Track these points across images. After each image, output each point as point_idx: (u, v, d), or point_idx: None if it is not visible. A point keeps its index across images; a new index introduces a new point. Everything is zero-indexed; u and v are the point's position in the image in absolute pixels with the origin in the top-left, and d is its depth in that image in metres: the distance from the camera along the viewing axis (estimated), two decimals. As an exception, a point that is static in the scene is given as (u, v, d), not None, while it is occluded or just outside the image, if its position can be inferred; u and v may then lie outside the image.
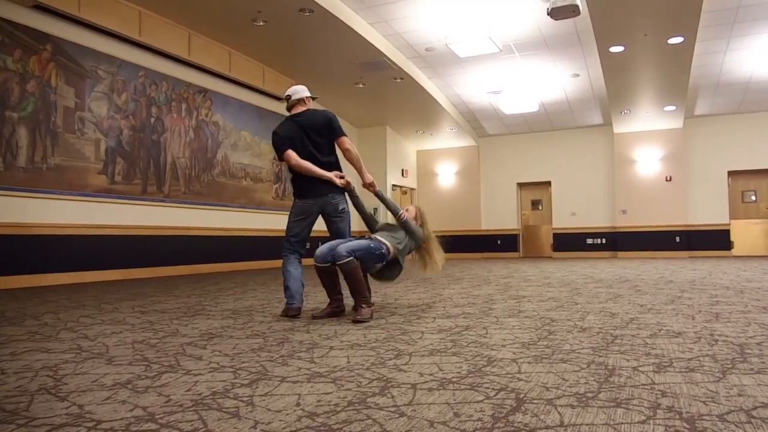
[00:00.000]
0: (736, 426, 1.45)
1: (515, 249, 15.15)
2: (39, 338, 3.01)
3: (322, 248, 3.58)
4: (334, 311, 3.68)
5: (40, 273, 6.86)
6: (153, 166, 8.54)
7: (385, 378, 2.01)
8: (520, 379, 1.95)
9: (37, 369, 2.26)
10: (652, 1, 7.54)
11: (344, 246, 3.51)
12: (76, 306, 4.55)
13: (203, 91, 9.55)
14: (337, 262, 3.49)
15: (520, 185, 15.31)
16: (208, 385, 1.95)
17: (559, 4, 6.96)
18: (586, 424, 1.49)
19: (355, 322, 3.38)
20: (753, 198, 13.30)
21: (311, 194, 3.71)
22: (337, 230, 3.78)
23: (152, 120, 8.57)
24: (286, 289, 3.70)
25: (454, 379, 1.97)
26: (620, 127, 13.58)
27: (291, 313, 3.64)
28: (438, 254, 4.01)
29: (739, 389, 1.78)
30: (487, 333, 2.91)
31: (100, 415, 1.65)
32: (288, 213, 3.86)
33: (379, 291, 5.39)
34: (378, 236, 3.74)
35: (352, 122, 14.09)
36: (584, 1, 7.45)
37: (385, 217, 14.27)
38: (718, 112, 13.10)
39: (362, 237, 3.76)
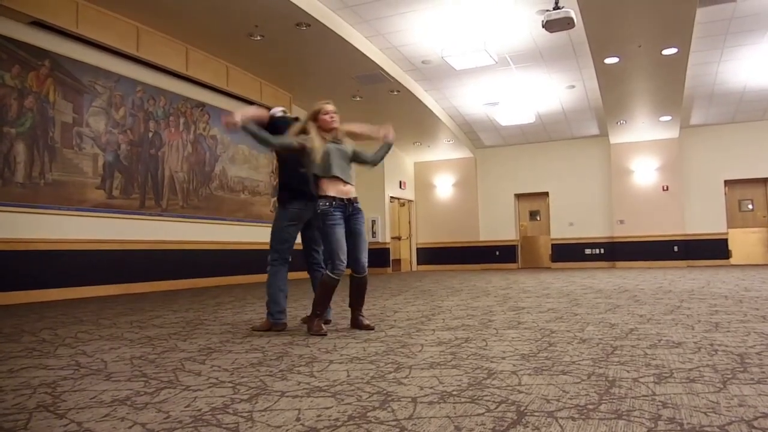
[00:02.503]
0: (737, 437, 1.45)
1: (514, 260, 15.15)
2: (37, 355, 3.00)
3: (342, 257, 3.42)
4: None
5: (38, 288, 6.83)
6: (151, 181, 8.55)
7: (385, 392, 2.00)
8: (520, 392, 1.95)
9: (35, 386, 2.25)
10: (645, 12, 7.61)
11: (364, 255, 3.52)
12: (74, 321, 4.53)
13: (201, 106, 9.59)
14: (362, 275, 3.54)
15: (518, 196, 15.34)
16: (207, 401, 1.94)
17: (554, 16, 7.02)
18: (588, 437, 1.48)
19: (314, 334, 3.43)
20: (750, 207, 13.35)
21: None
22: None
23: (150, 134, 8.59)
24: (276, 303, 3.71)
25: (454, 392, 1.96)
26: (616, 138, 13.65)
27: (279, 328, 3.68)
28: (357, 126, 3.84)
29: (739, 399, 1.78)
30: (486, 345, 2.91)
31: (99, 432, 1.64)
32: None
33: (378, 304, 5.38)
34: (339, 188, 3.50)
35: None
36: (579, 13, 7.52)
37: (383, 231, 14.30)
38: (714, 121, 13.18)
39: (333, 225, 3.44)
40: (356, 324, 3.63)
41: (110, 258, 7.75)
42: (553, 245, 14.72)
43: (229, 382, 2.23)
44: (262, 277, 11.12)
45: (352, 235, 3.51)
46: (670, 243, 13.32)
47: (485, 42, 8.96)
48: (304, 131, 3.55)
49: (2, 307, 6.08)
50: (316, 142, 3.48)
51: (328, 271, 3.45)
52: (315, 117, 3.59)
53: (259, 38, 8.55)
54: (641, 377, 2.11)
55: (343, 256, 3.43)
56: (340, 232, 3.44)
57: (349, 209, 3.52)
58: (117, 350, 3.08)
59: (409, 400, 1.89)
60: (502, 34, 8.96)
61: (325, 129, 3.57)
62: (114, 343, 3.36)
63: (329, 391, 2.04)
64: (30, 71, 6.91)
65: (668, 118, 12.24)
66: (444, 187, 15.74)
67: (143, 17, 7.95)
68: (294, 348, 2.99)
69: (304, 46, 8.79)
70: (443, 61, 9.71)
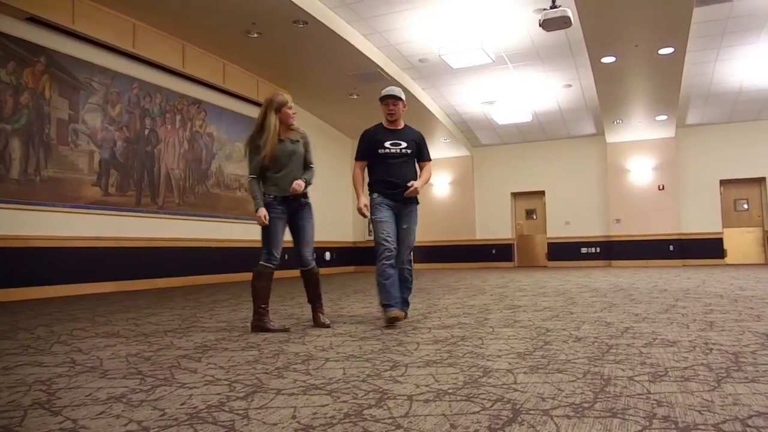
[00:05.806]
0: (731, 435, 1.46)
1: (510, 258, 15.16)
2: (32, 352, 2.99)
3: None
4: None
5: (33, 285, 6.81)
6: (147, 178, 8.53)
7: (381, 389, 2.01)
8: (516, 390, 1.95)
9: (30, 383, 2.24)
10: (642, 12, 7.62)
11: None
12: (69, 319, 4.52)
13: (197, 103, 9.56)
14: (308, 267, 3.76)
15: (514, 195, 15.36)
16: (203, 399, 1.94)
17: (551, 15, 7.02)
18: (583, 435, 1.49)
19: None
20: (745, 206, 13.39)
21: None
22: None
23: (146, 131, 8.57)
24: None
25: (450, 390, 1.97)
26: (613, 137, 13.67)
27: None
28: None
29: (734, 398, 1.79)
30: (482, 343, 2.91)
31: (94, 429, 1.63)
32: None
33: (375, 302, 5.38)
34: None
35: (346, 133, 14.13)
36: (576, 12, 7.53)
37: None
38: (710, 121, 13.22)
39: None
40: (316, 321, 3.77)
41: (106, 255, 7.73)
42: (549, 244, 14.74)
43: (225, 379, 2.23)
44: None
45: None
46: (665, 242, 13.35)
47: (482, 40, 8.97)
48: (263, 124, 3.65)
49: (-3, 304, 6.05)
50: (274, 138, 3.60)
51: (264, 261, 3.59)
52: (279, 109, 3.63)
53: (256, 35, 8.53)
54: (636, 376, 2.11)
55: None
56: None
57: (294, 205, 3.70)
58: (113, 347, 3.07)
59: (405, 398, 1.89)
60: (499, 33, 8.96)
61: (286, 124, 3.68)
62: (110, 340, 3.35)
63: (325, 389, 2.04)
64: (26, 67, 6.88)
65: (664, 117, 12.27)
66: (441, 185, 15.73)
67: (140, 14, 7.92)
68: (290, 346, 2.99)
69: (302, 43, 8.78)
70: (440, 60, 9.71)
